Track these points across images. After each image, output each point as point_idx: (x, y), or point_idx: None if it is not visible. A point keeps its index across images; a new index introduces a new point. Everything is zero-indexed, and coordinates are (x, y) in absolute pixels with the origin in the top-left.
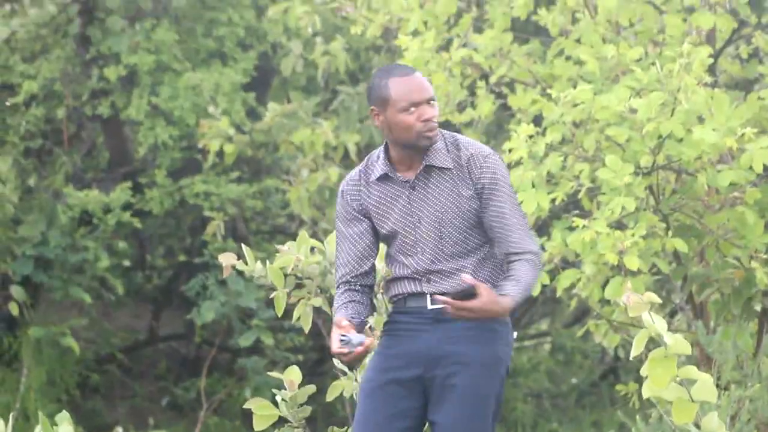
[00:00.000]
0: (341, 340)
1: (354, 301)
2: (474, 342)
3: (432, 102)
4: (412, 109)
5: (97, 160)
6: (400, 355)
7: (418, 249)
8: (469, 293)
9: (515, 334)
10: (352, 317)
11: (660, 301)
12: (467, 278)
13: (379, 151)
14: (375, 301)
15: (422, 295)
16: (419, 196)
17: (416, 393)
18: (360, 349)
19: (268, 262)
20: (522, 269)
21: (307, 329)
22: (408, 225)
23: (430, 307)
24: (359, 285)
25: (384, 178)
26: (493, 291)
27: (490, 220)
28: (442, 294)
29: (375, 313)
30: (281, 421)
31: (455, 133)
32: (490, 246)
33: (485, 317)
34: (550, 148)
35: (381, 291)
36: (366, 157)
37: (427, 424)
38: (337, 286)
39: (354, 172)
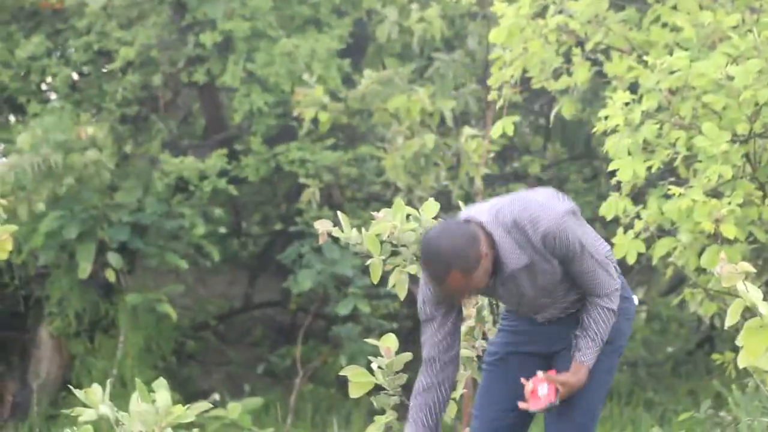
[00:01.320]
0: None
1: (431, 388)
2: None
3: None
4: None
5: (192, 126)
6: (522, 332)
7: (529, 307)
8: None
9: (636, 300)
10: (424, 423)
11: (754, 270)
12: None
13: None
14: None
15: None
16: (511, 287)
17: (539, 365)
18: None
19: (363, 229)
20: (597, 317)
21: (402, 296)
22: (512, 301)
23: (540, 321)
24: (443, 361)
25: None
26: (566, 375)
27: (574, 276)
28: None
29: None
30: (377, 388)
31: (511, 212)
32: None
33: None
34: (646, 116)
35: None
36: None
37: None
38: (423, 364)
39: None
